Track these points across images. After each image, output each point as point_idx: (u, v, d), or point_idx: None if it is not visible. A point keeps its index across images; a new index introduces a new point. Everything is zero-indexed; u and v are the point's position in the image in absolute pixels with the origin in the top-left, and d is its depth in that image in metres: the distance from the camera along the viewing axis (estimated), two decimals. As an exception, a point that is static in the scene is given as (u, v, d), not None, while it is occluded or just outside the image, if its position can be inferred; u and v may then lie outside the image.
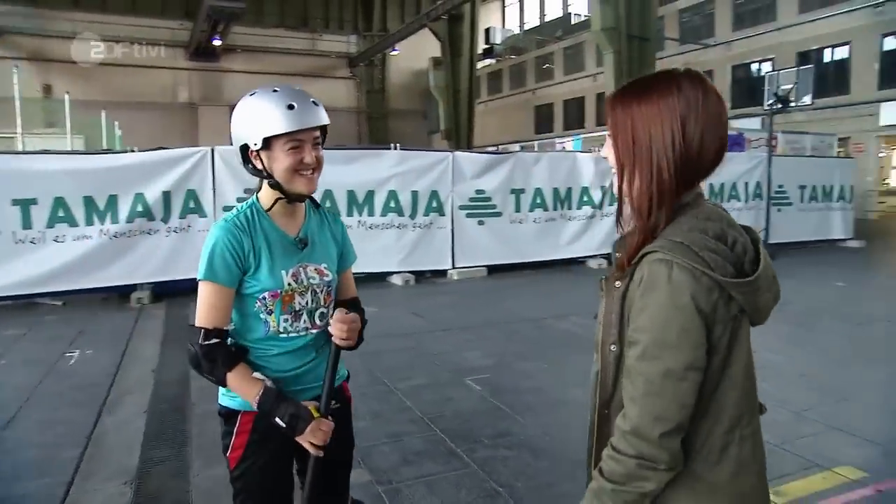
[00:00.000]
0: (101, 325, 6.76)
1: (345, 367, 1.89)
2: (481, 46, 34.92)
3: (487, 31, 38.38)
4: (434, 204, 9.50)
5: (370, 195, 8.90)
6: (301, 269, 1.75)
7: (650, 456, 1.09)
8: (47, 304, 7.56)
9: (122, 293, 7.83)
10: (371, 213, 8.90)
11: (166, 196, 7.70)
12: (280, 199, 1.71)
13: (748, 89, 24.97)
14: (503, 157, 10.53)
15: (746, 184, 11.87)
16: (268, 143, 1.62)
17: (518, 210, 10.22)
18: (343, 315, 1.66)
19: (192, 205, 7.84)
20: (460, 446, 3.59)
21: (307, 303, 1.75)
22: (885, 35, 21.11)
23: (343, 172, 8.39)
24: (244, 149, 1.67)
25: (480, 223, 9.94)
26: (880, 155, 23.07)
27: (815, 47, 22.56)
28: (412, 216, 9.30)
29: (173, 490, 3.17)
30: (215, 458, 3.41)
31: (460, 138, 29.38)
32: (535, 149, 19.19)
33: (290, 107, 1.60)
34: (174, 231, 7.77)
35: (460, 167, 9.73)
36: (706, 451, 1.15)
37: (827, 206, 12.92)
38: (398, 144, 9.60)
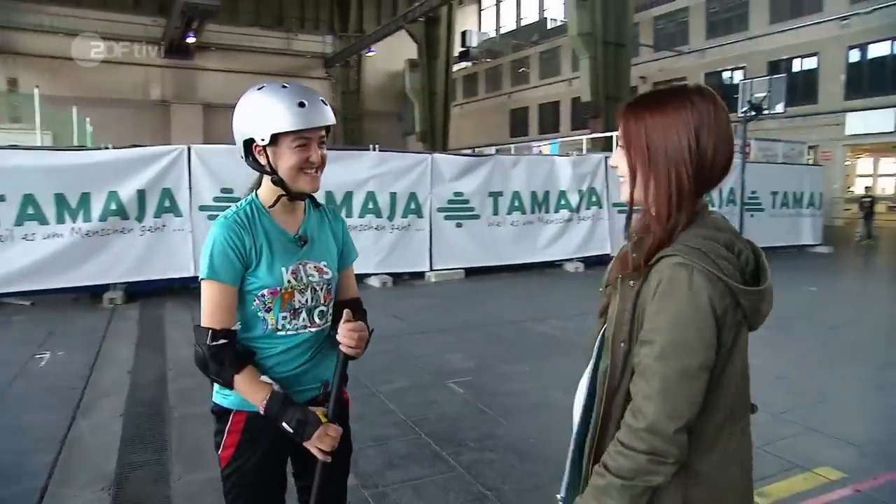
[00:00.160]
0: (73, 326, 6.60)
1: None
2: (457, 49, 35.02)
3: (464, 34, 38.52)
4: (412, 206, 9.48)
5: (348, 196, 8.84)
6: (301, 266, 1.72)
7: (662, 451, 1.13)
8: (15, 303, 7.35)
9: (93, 293, 7.66)
10: (349, 215, 8.83)
11: (141, 195, 7.56)
12: (282, 196, 1.68)
13: (721, 97, 25.34)
14: (482, 159, 10.56)
15: (721, 189, 12.05)
16: (275, 139, 1.59)
17: (496, 213, 10.25)
18: (353, 324, 1.63)
19: (167, 204, 7.70)
20: (445, 449, 3.57)
21: (306, 301, 1.72)
22: (851, 47, 21.72)
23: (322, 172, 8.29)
24: (247, 143, 1.64)
25: (458, 225, 9.94)
26: (846, 163, 23.67)
27: (785, 57, 23.10)
28: (390, 218, 9.27)
29: (154, 496, 3.08)
30: (196, 463, 3.36)
31: (436, 140, 29.42)
32: (512, 152, 19.26)
33: (301, 104, 1.57)
34: (149, 230, 7.63)
35: (439, 169, 9.72)
36: (697, 443, 1.18)
37: (797, 212, 13.21)
38: (377, 146, 9.55)
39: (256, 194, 1.73)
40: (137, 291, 7.73)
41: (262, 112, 1.59)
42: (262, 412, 1.59)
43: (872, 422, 4.17)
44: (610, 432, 1.23)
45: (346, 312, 1.67)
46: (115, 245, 7.47)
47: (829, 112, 21.78)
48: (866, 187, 19.52)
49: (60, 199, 7.21)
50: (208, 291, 1.62)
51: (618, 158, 1.33)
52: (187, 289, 8.12)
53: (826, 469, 3.37)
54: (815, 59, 22.64)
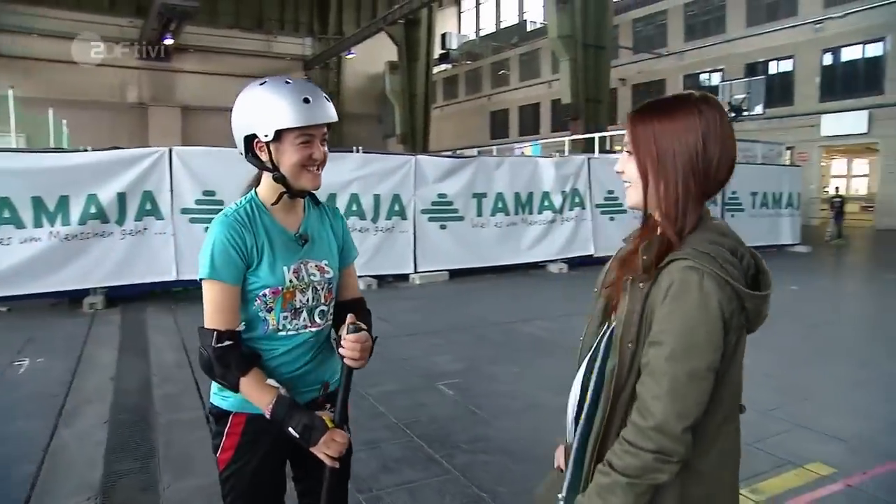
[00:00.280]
0: (52, 332, 6.46)
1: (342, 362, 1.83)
2: (437, 51, 35.07)
3: (443, 36, 38.59)
4: (396, 208, 9.44)
5: (332, 198, 8.75)
6: (302, 265, 1.69)
7: (669, 450, 1.16)
8: (-9, 309, 7.20)
9: (73, 298, 7.52)
10: (333, 217, 8.74)
11: (121, 197, 7.43)
12: (284, 193, 1.65)
13: (699, 98, 25.69)
14: (465, 161, 10.55)
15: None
16: (278, 135, 1.56)
17: (480, 214, 10.25)
18: (356, 336, 1.59)
19: (148, 207, 7.59)
20: (438, 452, 3.54)
21: (307, 300, 1.70)
22: (825, 51, 22.11)
23: None
24: (248, 139, 1.61)
25: (442, 227, 9.92)
26: (822, 164, 24.08)
27: (761, 60, 23.46)
28: (374, 220, 9.22)
29: (142, 504, 3.02)
30: (186, 470, 3.30)
31: (416, 143, 29.42)
32: (494, 154, 19.29)
33: (306, 100, 1.55)
34: (129, 234, 7.50)
35: (423, 171, 9.70)
36: (699, 442, 1.21)
37: (776, 212, 13.39)
38: (360, 148, 9.50)
39: (256, 192, 1.70)
40: (118, 296, 7.60)
41: (266, 107, 1.56)
42: (267, 416, 1.56)
43: (857, 417, 4.21)
44: (613, 431, 1.25)
45: (349, 317, 1.63)
46: (95, 249, 7.34)
47: (804, 114, 22.15)
48: (836, 188, 19.88)
49: (38, 203, 7.07)
50: (210, 292, 1.59)
51: (624, 163, 1.35)
52: (169, 293, 8.02)
53: (817, 465, 3.40)
54: (790, 61, 23.03)
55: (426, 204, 9.71)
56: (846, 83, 21.60)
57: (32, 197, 7.04)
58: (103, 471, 3.32)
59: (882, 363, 5.45)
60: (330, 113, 1.60)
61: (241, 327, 1.63)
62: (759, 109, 13.20)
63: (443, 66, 39.60)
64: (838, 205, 16.32)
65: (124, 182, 7.43)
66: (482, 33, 42.26)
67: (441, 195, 9.88)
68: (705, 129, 1.24)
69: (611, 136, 17.91)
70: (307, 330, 1.71)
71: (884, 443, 3.78)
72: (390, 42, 30.30)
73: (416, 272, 9.60)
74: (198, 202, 7.76)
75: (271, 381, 1.58)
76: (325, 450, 1.54)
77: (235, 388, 1.58)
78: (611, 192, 11.41)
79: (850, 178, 29.84)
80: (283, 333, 1.67)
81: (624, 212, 11.56)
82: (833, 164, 27.84)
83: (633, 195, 1.33)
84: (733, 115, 12.21)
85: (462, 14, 44.59)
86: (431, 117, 31.33)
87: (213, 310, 1.58)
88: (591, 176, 11.18)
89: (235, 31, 33.02)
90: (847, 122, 21.35)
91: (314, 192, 1.73)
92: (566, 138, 18.03)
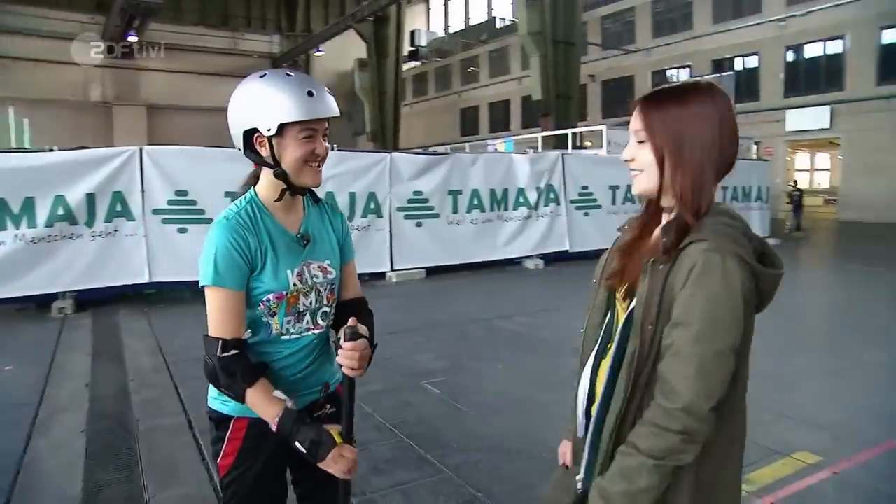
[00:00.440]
0: (20, 338, 6.25)
1: (337, 372, 1.78)
2: (407, 49, 34.91)
3: (412, 33, 38.38)
4: (372, 206, 9.36)
5: (307, 197, 8.65)
6: (305, 267, 1.64)
7: (695, 430, 1.18)
8: (-47, 316, 6.93)
9: (40, 303, 7.27)
10: (309, 216, 8.63)
11: (90, 198, 7.21)
12: (285, 190, 1.59)
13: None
14: (440, 158, 10.50)
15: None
16: (280, 129, 1.50)
17: (455, 211, 10.22)
18: (352, 344, 1.51)
19: (118, 208, 7.38)
20: (430, 452, 3.50)
21: (310, 303, 1.65)
22: (789, 48, 22.59)
23: None
24: (247, 134, 1.55)
25: (418, 225, 9.87)
26: (787, 158, 24.61)
27: (727, 56, 23.87)
28: (350, 218, 9.11)
29: (126, 515, 2.92)
30: (170, 478, 3.21)
31: (386, 140, 29.27)
32: (467, 151, 19.28)
33: (310, 93, 1.50)
34: (100, 235, 7.28)
35: (398, 168, 9.63)
36: (717, 422, 1.22)
37: (747, 206, 13.60)
38: (335, 145, 9.38)
39: (255, 192, 1.64)
40: (88, 299, 7.38)
41: (268, 100, 1.50)
42: (273, 429, 1.51)
43: (837, 405, 4.29)
44: (631, 414, 1.26)
45: (350, 320, 1.57)
46: (64, 252, 7.10)
47: (770, 109, 22.61)
48: (794, 181, 20.32)
49: (2, 205, 6.82)
50: (214, 299, 1.53)
51: (634, 151, 1.35)
52: (141, 295, 7.82)
53: (804, 453, 3.45)
54: (755, 58, 23.49)
55: (402, 201, 9.64)
56: (809, 79, 22.12)
57: (-5, 199, 6.79)
58: (83, 482, 3.20)
59: (855, 352, 5.56)
60: (332, 107, 1.56)
61: (248, 335, 1.57)
62: (728, 105, 13.36)
63: (412, 64, 39.44)
64: (797, 198, 16.68)
65: (93, 182, 7.21)
66: (451, 30, 42.20)
67: (417, 192, 9.82)
68: (720, 115, 1.27)
69: (581, 132, 18.02)
70: (310, 332, 1.67)
71: (865, 429, 3.85)
72: (359, 39, 30.06)
73: (392, 270, 9.53)
74: (170, 202, 7.58)
75: (278, 393, 1.53)
76: (334, 465, 1.49)
77: (241, 399, 1.53)
78: (585, 187, 11.48)
79: (813, 171, 30.59)
80: (287, 337, 1.63)
81: (598, 207, 11.66)
82: (797, 158, 28.49)
83: (643, 182, 1.34)
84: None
85: (430, 11, 44.46)
86: (401, 114, 31.20)
87: (218, 318, 1.53)
88: (565, 172, 11.22)
89: (201, 29, 32.38)
90: (810, 117, 21.86)
91: (314, 188, 1.68)
92: (539, 134, 18.08)
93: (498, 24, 37.27)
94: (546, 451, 3.50)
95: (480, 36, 37.56)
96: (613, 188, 11.78)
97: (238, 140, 1.58)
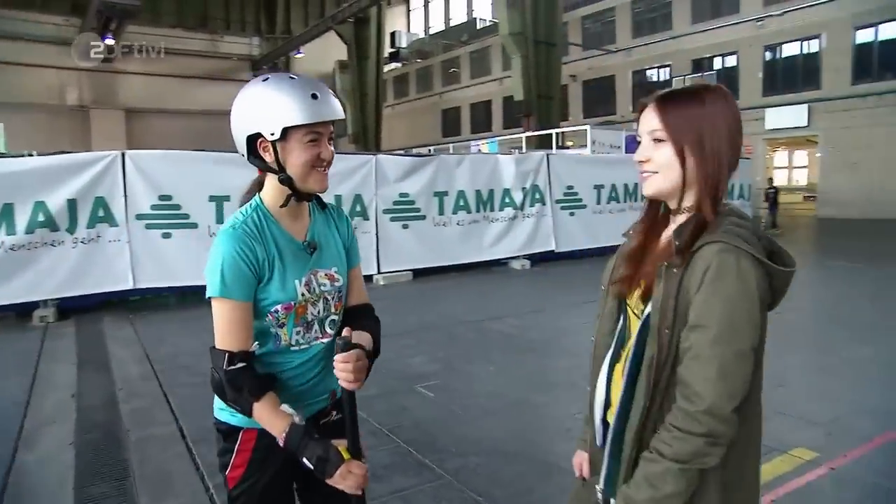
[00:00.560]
0: (0, 348, 6.10)
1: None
2: (387, 50, 34.84)
3: (393, 34, 38.35)
4: (358, 208, 9.30)
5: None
6: (312, 276, 1.60)
7: (719, 432, 1.17)
8: (-69, 327, 6.77)
9: (21, 311, 7.11)
10: (294, 219, 8.56)
11: (72, 204, 7.08)
12: (291, 196, 1.55)
13: (647, 94, 26.24)
14: (426, 159, 10.47)
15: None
16: (285, 133, 1.47)
17: (441, 213, 10.19)
18: (344, 355, 1.45)
19: (101, 213, 7.25)
20: (428, 456, 3.46)
21: (318, 312, 1.62)
22: (767, 47, 22.87)
23: None
24: (251, 139, 1.51)
25: (405, 227, 9.83)
26: (766, 157, 24.93)
27: (707, 55, 24.11)
28: (336, 221, 9.04)
29: (121, 528, 2.85)
30: (164, 489, 3.14)
31: (368, 141, 29.16)
32: (451, 152, 19.27)
33: (314, 96, 1.46)
34: (82, 242, 7.15)
35: (383, 170, 9.59)
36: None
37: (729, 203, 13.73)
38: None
39: (260, 199, 1.59)
40: (71, 307, 7.24)
41: (271, 104, 1.46)
42: (281, 444, 1.48)
43: (829, 402, 4.33)
44: (652, 419, 1.26)
45: (345, 330, 1.52)
46: (45, 259, 6.96)
47: (749, 108, 22.82)
48: (769, 179, 20.56)
49: (-21, 212, 6.67)
50: (221, 310, 1.49)
51: (649, 151, 1.34)
52: (125, 302, 7.69)
53: (800, 450, 3.47)
54: (734, 57, 23.76)
55: (388, 203, 9.60)
56: (787, 78, 22.42)
57: (-27, 206, 6.63)
58: (74, 496, 3.12)
59: (842, 349, 5.62)
60: (337, 109, 1.52)
61: (255, 347, 1.53)
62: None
63: (393, 65, 39.38)
64: (772, 195, 16.86)
65: (74, 188, 7.08)
66: (431, 31, 42.20)
67: (403, 194, 9.78)
68: (733, 116, 1.30)
69: (563, 132, 18.10)
70: (318, 342, 1.64)
71: (857, 425, 3.89)
72: (339, 41, 29.93)
73: (379, 273, 9.48)
74: (154, 207, 7.47)
75: (285, 407, 1.49)
76: (342, 482, 1.45)
77: (248, 413, 1.49)
78: (570, 187, 11.52)
79: (792, 169, 31.01)
80: (297, 348, 1.60)
81: (583, 207, 11.70)
82: (776, 156, 28.87)
83: (658, 182, 1.33)
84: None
85: (411, 12, 44.43)
86: (383, 116, 31.12)
87: (225, 329, 1.49)
88: (550, 172, 11.25)
89: (179, 31, 31.96)
90: (788, 115, 22.15)
91: (321, 194, 1.64)
92: (523, 135, 18.12)
93: (478, 25, 37.36)
94: (544, 454, 3.50)
95: (461, 37, 37.60)
96: (598, 188, 11.84)
97: (241, 146, 1.53)
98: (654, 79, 26.59)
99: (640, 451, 1.26)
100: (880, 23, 20.10)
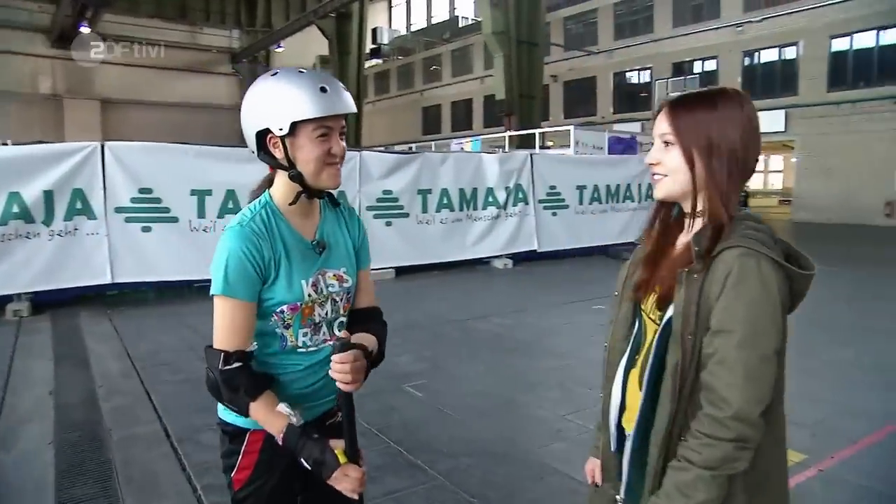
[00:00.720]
0: (-28, 344, 5.92)
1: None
2: (368, 46, 34.64)
3: (374, 31, 38.16)
4: (341, 205, 9.20)
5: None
6: (320, 276, 1.56)
7: (747, 437, 1.17)
8: None
9: (-8, 305, 6.92)
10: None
11: (48, 196, 6.88)
12: (301, 192, 1.51)
13: (628, 95, 26.62)
14: (410, 157, 10.42)
15: (640, 185, 12.48)
16: (293, 128, 1.42)
17: (425, 210, 10.14)
18: (340, 356, 1.41)
19: (79, 206, 7.06)
20: (419, 457, 3.42)
21: (326, 313, 1.58)
22: (746, 52, 23.20)
23: (247, 172, 7.71)
24: (260, 135, 1.47)
25: (388, 224, 9.77)
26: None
27: (687, 59, 24.37)
28: (319, 218, 8.95)
29: (105, 532, 2.77)
30: (151, 490, 3.07)
31: (348, 138, 28.73)
32: (433, 150, 19.23)
33: (323, 89, 1.42)
34: (58, 234, 6.96)
35: (367, 167, 9.52)
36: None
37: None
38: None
39: (270, 195, 1.55)
40: (46, 301, 7.06)
41: (280, 99, 1.42)
42: (279, 443, 1.45)
43: (813, 404, 4.37)
44: (678, 426, 1.25)
45: (342, 332, 1.51)
46: (19, 251, 6.75)
47: (727, 112, 23.17)
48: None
49: (-50, 202, 6.47)
50: (222, 309, 1.45)
51: (659, 154, 1.34)
52: (102, 296, 7.53)
53: (789, 452, 3.48)
54: (714, 61, 24.04)
55: (371, 201, 9.53)
56: (765, 84, 22.73)
57: (-57, 196, 6.43)
58: (56, 497, 3.02)
59: (822, 351, 5.68)
60: (348, 103, 1.48)
61: (254, 347, 1.49)
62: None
63: (374, 61, 39.18)
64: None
65: (51, 179, 6.88)
66: (413, 28, 42.08)
67: (386, 192, 9.72)
68: (747, 121, 1.28)
69: (543, 132, 18.15)
70: (327, 344, 1.59)
71: (842, 427, 3.93)
72: (320, 35, 29.69)
73: (362, 270, 9.38)
74: (134, 200, 7.30)
75: (282, 407, 1.45)
76: (338, 485, 1.42)
77: (245, 413, 1.46)
78: (553, 187, 11.54)
79: (767, 173, 31.50)
80: (304, 350, 1.56)
81: (566, 207, 11.73)
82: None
83: (667, 186, 1.34)
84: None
85: (393, 9, 44.26)
86: (363, 113, 30.96)
87: (225, 328, 1.45)
88: (533, 171, 11.26)
89: (157, 21, 31.43)
90: (766, 120, 22.42)
91: (333, 191, 1.60)
92: (506, 134, 18.14)
93: (460, 23, 37.33)
94: (537, 455, 3.49)
95: (443, 34, 37.54)
96: (581, 188, 11.87)
97: (251, 142, 1.50)
98: (635, 81, 26.84)
99: (667, 459, 1.25)
100: (855, 32, 20.49)
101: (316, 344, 1.57)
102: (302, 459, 1.42)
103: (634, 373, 1.39)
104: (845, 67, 20.89)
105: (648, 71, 25.56)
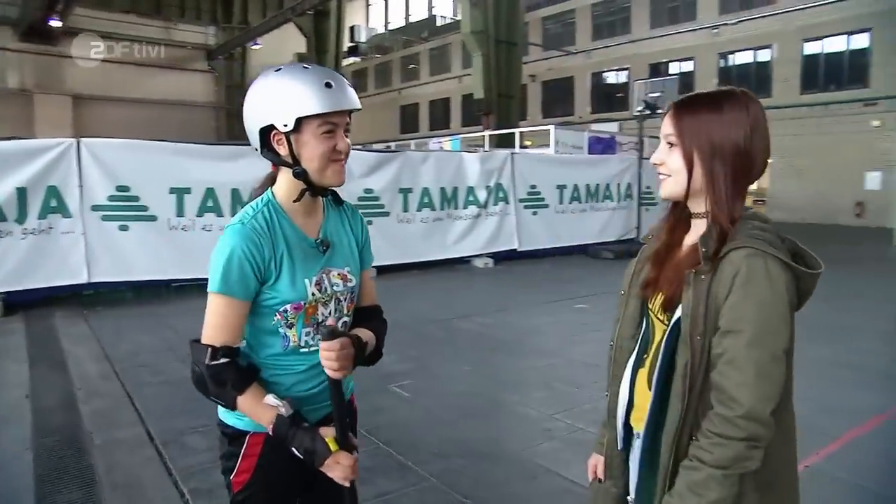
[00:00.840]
0: (-58, 346, 5.75)
1: (352, 379, 1.70)
2: (346, 44, 34.43)
3: (352, 29, 37.95)
4: (322, 204, 9.13)
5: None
6: (324, 275, 1.54)
7: (759, 435, 1.18)
8: None
9: (-38, 306, 6.71)
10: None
11: (21, 193, 6.72)
12: (306, 190, 1.49)
13: (605, 95, 26.84)
14: (391, 155, 10.39)
15: (619, 185, 12.58)
16: (298, 125, 1.40)
17: (406, 209, 10.12)
18: (328, 343, 1.39)
19: (53, 203, 6.91)
20: (410, 458, 3.40)
21: (330, 312, 1.55)
22: (721, 54, 23.52)
23: (227, 170, 7.76)
24: (264, 132, 1.44)
25: (369, 223, 9.56)
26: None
27: (664, 60, 24.62)
28: (301, 217, 8.86)
29: (90, 539, 2.70)
30: (135, 496, 3.01)
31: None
32: (412, 148, 19.16)
33: (329, 85, 1.39)
34: (32, 233, 6.80)
35: (348, 166, 9.16)
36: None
37: (688, 206, 14.02)
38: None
39: (273, 193, 1.52)
40: (18, 301, 6.87)
41: (284, 95, 1.40)
42: (271, 434, 1.44)
43: (794, 401, 4.44)
44: (688, 425, 1.26)
45: (329, 320, 1.51)
46: (-10, 250, 6.60)
47: (703, 113, 23.48)
48: None
49: (-81, 200, 6.28)
50: (217, 306, 1.43)
51: (663, 155, 1.36)
52: (77, 297, 7.36)
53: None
54: (691, 63, 24.33)
55: (352, 199, 9.12)
56: (740, 85, 22.08)
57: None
58: None
59: (800, 349, 5.64)
60: (353, 99, 1.46)
61: (242, 344, 1.49)
62: (669, 108, 13.74)
63: (352, 59, 38.96)
64: None
65: (24, 176, 6.72)
66: (391, 27, 41.93)
67: (367, 190, 9.68)
68: (752, 123, 1.28)
69: (522, 131, 18.20)
70: None
71: (823, 424, 3.98)
72: (297, 33, 29.47)
73: (342, 269, 9.32)
74: (111, 198, 7.17)
75: (269, 399, 1.44)
76: (330, 473, 1.42)
77: (232, 408, 1.45)
78: (533, 186, 11.58)
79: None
80: (306, 350, 1.53)
81: (546, 206, 11.77)
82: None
83: (671, 186, 1.35)
84: (648, 112, 12.61)
85: (371, 7, 44.04)
86: (342, 111, 30.77)
87: (216, 325, 1.43)
88: (514, 171, 11.28)
89: (132, 16, 30.84)
90: (740, 121, 22.80)
91: (337, 189, 1.57)
92: (486, 133, 18.15)
93: (439, 22, 37.28)
94: (527, 455, 3.48)
95: (421, 33, 37.47)
96: (561, 188, 11.93)
97: (254, 139, 1.48)
98: (613, 81, 27.06)
99: (678, 459, 1.26)
100: (826, 36, 20.88)
101: (317, 343, 1.54)
102: (293, 449, 1.42)
103: (643, 372, 1.40)
104: (817, 70, 21.29)
105: (626, 71, 25.77)
